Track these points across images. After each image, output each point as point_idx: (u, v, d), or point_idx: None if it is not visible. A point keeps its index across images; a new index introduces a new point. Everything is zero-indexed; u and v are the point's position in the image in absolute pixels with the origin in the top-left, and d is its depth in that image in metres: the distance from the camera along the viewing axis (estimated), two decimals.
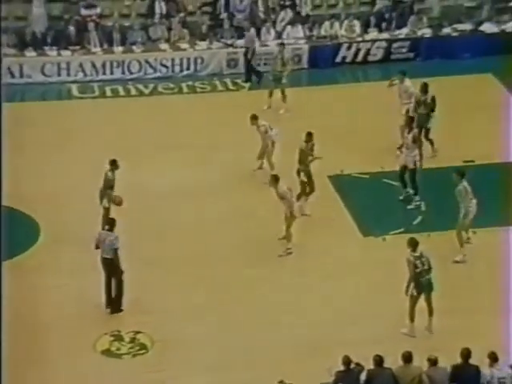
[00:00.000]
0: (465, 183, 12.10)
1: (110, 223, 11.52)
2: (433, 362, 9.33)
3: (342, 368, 9.43)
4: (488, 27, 18.72)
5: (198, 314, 11.45)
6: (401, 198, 13.41)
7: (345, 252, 12.62)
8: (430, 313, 11.01)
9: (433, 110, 14.47)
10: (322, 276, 12.12)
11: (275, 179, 12.47)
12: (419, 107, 14.47)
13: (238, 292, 11.82)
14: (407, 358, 9.37)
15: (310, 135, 13.39)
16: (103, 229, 11.64)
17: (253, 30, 17.74)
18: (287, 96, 16.21)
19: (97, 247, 11.42)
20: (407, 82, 14.85)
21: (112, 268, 11.32)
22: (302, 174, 13.28)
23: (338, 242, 12.86)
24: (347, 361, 9.42)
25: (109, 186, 12.66)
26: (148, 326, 11.24)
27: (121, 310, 11.42)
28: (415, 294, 10.84)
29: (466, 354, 9.27)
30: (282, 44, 16.59)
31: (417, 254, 10.84)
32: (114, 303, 11.39)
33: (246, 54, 17.61)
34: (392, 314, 11.24)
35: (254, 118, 14.41)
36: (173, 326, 11.24)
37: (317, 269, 12.28)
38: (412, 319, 10.95)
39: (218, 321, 11.35)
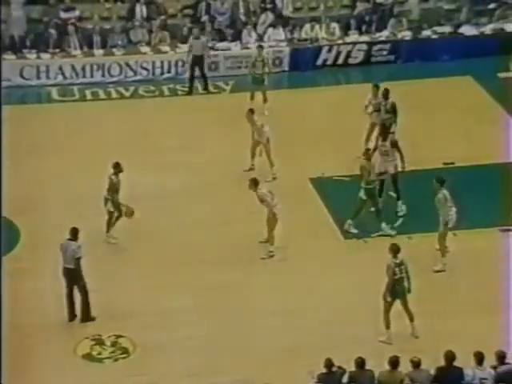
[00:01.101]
0: (444, 191, 12.08)
1: (72, 232, 11.21)
2: (416, 364, 9.33)
3: (324, 371, 9.43)
4: (467, 29, 18.86)
5: (182, 318, 11.38)
6: (373, 209, 13.11)
7: (326, 254, 12.61)
8: (411, 318, 10.98)
9: (395, 114, 14.38)
10: (303, 279, 12.10)
11: (254, 183, 12.44)
12: (380, 113, 14.46)
13: (221, 295, 11.77)
14: (394, 362, 9.35)
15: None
16: (108, 231, 11.50)
17: (204, 38, 17.54)
18: (267, 98, 16.18)
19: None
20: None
21: (73, 278, 11.08)
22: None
23: (319, 244, 12.87)
24: (329, 363, 9.42)
25: (114, 189, 12.54)
26: (130, 329, 11.16)
27: (92, 319, 11.24)
28: (389, 299, 10.83)
29: (451, 356, 9.28)
30: (261, 46, 16.52)
31: (397, 261, 10.83)
32: (83, 314, 11.18)
33: (195, 63, 17.16)
34: (375, 316, 11.21)
35: (252, 112, 14.34)
36: (155, 330, 11.17)
37: (298, 271, 12.27)
38: (387, 326, 10.90)
39: (201, 324, 11.29)
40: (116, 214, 12.73)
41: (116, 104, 17.26)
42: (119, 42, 18.42)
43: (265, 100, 16.13)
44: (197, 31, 17.57)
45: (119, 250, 12.66)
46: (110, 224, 12.78)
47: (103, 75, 17.84)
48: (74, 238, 11.20)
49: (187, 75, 17.84)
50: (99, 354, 10.86)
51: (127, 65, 17.94)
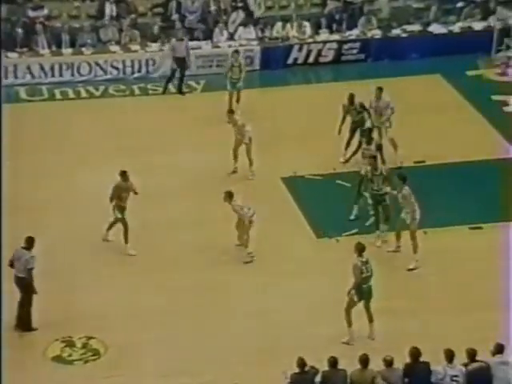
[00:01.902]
0: (407, 187, 12.11)
1: (27, 241, 10.95)
2: (388, 363, 9.37)
3: (297, 370, 9.42)
4: (436, 28, 19.00)
5: (155, 319, 11.30)
6: (352, 217, 13.09)
7: (299, 254, 12.60)
8: (370, 319, 10.96)
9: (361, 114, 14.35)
10: (276, 279, 12.07)
11: (229, 195, 12.31)
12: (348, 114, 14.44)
13: (194, 296, 11.71)
14: (364, 361, 9.38)
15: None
16: (126, 242, 11.62)
17: (186, 40, 17.40)
18: (240, 99, 16.12)
19: (11, 264, 10.90)
20: (387, 97, 14.50)
21: (24, 287, 10.87)
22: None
23: (291, 244, 12.86)
24: (302, 363, 9.41)
25: (116, 195, 12.41)
26: (101, 330, 11.05)
27: (33, 329, 11.00)
28: (356, 299, 10.83)
29: (415, 352, 9.33)
30: (237, 51, 16.33)
31: (363, 260, 10.83)
32: (24, 322, 10.95)
33: (178, 65, 16.94)
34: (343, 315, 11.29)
35: (231, 112, 14.31)
36: (127, 331, 11.08)
37: (271, 271, 12.24)
38: (349, 324, 10.88)
39: (174, 325, 11.21)
40: (120, 220, 12.48)
41: (86, 104, 17.08)
42: (88, 41, 18.23)
43: (238, 100, 16.07)
44: (181, 33, 17.47)
45: (91, 250, 12.53)
46: (127, 234, 12.47)
47: (72, 74, 17.65)
48: (28, 246, 10.94)
49: (158, 75, 17.75)
50: (69, 355, 10.74)
51: (97, 64, 17.77)
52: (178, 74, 17.16)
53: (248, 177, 14.06)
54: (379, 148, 13.45)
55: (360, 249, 10.89)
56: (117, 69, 17.84)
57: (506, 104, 16.32)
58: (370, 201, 12.95)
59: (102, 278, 12.04)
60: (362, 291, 10.85)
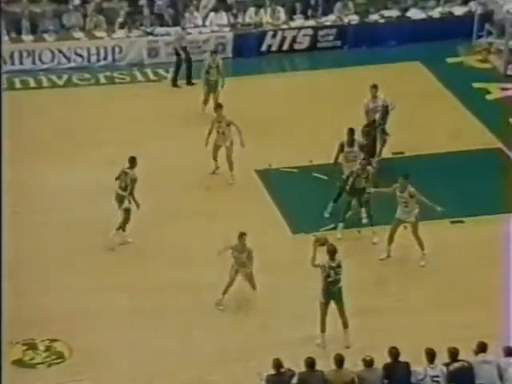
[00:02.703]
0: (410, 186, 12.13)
1: None
2: (368, 364, 9.34)
3: (272, 372, 9.34)
4: (414, 13, 18.97)
5: (121, 320, 11.16)
6: (326, 215, 12.98)
7: (274, 250, 12.51)
8: (345, 325, 10.82)
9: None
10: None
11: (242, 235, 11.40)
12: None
13: (162, 296, 11.58)
14: (339, 361, 9.36)
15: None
16: (124, 230, 11.72)
17: (179, 28, 17.23)
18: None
19: None
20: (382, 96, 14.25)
21: None
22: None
23: (266, 239, 12.74)
24: (277, 364, 9.34)
25: (132, 184, 12.35)
26: (66, 332, 10.90)
27: None
28: (322, 300, 10.74)
29: (395, 352, 9.32)
30: (215, 52, 15.87)
31: (333, 264, 10.69)
32: None
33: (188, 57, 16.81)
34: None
35: (220, 106, 13.93)
36: (93, 333, 10.93)
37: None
38: (322, 329, 10.76)
39: (141, 326, 11.09)
40: (130, 211, 12.42)
41: (48, 93, 16.83)
42: (51, 27, 17.95)
43: (215, 106, 14.98)
44: (185, 22, 17.25)
45: (53, 249, 12.34)
46: (126, 222, 12.51)
47: (34, 62, 17.37)
48: None
49: (125, 63, 17.47)
50: (32, 359, 10.59)
51: (60, 51, 17.50)
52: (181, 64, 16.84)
53: (229, 181, 13.80)
54: (362, 149, 13.27)
55: (332, 251, 10.72)
56: (81, 56, 17.59)
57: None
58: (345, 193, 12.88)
59: (66, 278, 11.87)
60: (329, 293, 10.74)
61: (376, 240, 12.64)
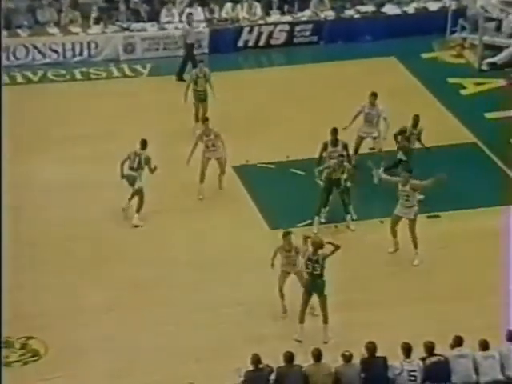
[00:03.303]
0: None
1: None
2: (347, 359, 9.39)
3: (251, 368, 9.34)
4: (390, 9, 19.04)
5: (97, 317, 11.12)
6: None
7: (252, 246, 12.51)
8: (324, 320, 10.84)
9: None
10: (228, 271, 11.98)
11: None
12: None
13: (136, 292, 11.54)
14: (317, 355, 9.40)
15: None
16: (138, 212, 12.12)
17: (186, 25, 17.05)
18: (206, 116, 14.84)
19: None
20: (380, 106, 14.04)
21: None
22: None
23: (244, 235, 12.77)
24: (256, 359, 9.35)
25: (145, 165, 12.75)
26: (41, 330, 10.82)
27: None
28: (304, 294, 10.77)
29: (372, 347, 9.37)
30: (202, 61, 15.36)
31: (315, 258, 10.73)
32: None
33: (189, 51, 16.62)
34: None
35: (206, 119, 13.52)
36: (69, 330, 10.88)
37: (222, 264, 12.14)
38: (301, 319, 10.80)
39: (117, 323, 11.05)
40: (142, 192, 12.75)
41: (22, 89, 16.66)
42: (25, 23, 17.78)
43: (203, 118, 14.41)
44: (191, 18, 17.04)
45: (29, 247, 12.23)
46: (141, 203, 12.82)
47: (8, 58, 17.17)
48: None
49: (101, 58, 17.30)
50: (7, 357, 10.48)
51: (34, 47, 17.35)
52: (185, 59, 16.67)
53: (199, 196, 13.35)
54: (345, 147, 13.22)
55: (317, 245, 10.74)
56: (56, 52, 17.44)
57: None
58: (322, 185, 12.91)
59: (41, 276, 11.77)
60: (308, 286, 10.78)
61: (353, 227, 12.62)
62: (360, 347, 9.46)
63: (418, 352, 9.46)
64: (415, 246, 12.18)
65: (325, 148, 13.16)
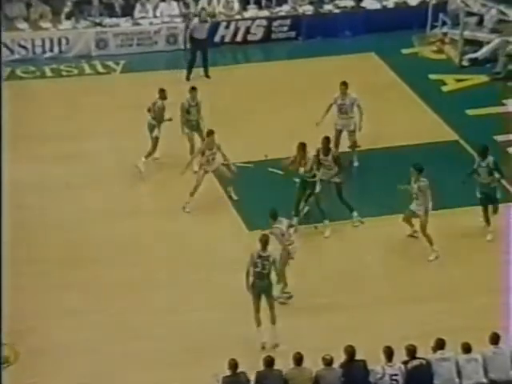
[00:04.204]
0: (425, 179, 12.18)
1: None
2: (327, 362, 9.38)
3: (228, 373, 9.30)
4: (369, 3, 19.04)
5: (69, 321, 11.02)
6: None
7: (229, 248, 12.48)
8: (272, 320, 10.77)
9: None
10: (205, 274, 11.93)
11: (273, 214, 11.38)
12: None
13: (114, 296, 11.46)
14: (297, 360, 9.38)
15: None
16: (147, 157, 13.36)
17: (196, 19, 16.94)
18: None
19: None
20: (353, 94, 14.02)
21: None
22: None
23: (221, 237, 12.74)
24: (233, 364, 9.30)
25: (160, 115, 13.66)
26: (11, 335, 10.57)
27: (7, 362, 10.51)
28: (251, 295, 10.72)
29: (351, 350, 9.37)
30: (194, 88, 14.30)
31: (264, 255, 10.69)
32: None
33: (197, 47, 16.48)
34: (282, 311, 11.18)
35: (212, 132, 13.19)
36: (41, 334, 10.77)
37: (200, 266, 12.09)
38: (257, 323, 10.72)
39: (92, 326, 10.97)
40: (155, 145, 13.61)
41: None
42: None
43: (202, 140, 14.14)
44: (204, 13, 16.90)
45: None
46: (154, 150, 13.77)
47: None
48: None
49: (72, 54, 17.14)
50: None
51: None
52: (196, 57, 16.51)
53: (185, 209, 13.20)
54: (336, 160, 13.04)
55: (264, 241, 10.71)
56: (25, 48, 17.24)
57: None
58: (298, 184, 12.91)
59: (11, 278, 11.59)
60: (255, 286, 10.73)
61: (328, 234, 12.64)
62: (341, 351, 9.43)
63: (400, 355, 9.46)
64: (430, 244, 12.22)
65: (317, 155, 12.90)
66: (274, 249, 11.11)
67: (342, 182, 12.88)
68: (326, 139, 13.00)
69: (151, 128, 13.80)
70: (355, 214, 12.90)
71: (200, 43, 16.72)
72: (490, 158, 12.47)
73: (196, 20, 16.94)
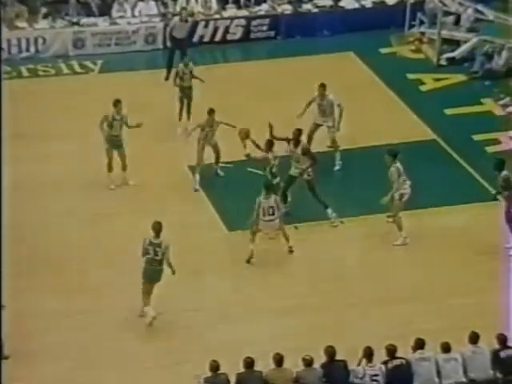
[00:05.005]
0: (398, 164, 12.27)
1: None
2: (307, 363, 9.44)
3: (209, 374, 9.34)
4: (347, 3, 19.14)
5: (51, 322, 10.98)
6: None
7: (209, 248, 12.50)
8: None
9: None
10: (185, 275, 11.87)
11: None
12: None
13: (94, 298, 11.44)
14: (278, 360, 9.44)
15: None
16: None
17: (191, 21, 17.00)
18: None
19: None
20: (330, 95, 14.17)
21: None
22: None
23: (201, 237, 12.73)
24: (214, 365, 9.35)
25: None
26: None
27: (5, 358, 10.34)
28: (143, 280, 10.96)
29: (331, 351, 9.44)
30: (119, 101, 14.10)
31: (156, 242, 10.91)
32: None
33: (176, 46, 16.48)
34: (262, 312, 11.28)
35: (212, 111, 13.64)
36: (20, 337, 10.64)
37: (179, 267, 12.06)
38: (144, 303, 10.97)
39: (73, 328, 10.95)
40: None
41: None
42: None
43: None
44: (185, 13, 16.85)
45: None
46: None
47: None
48: None
49: (49, 54, 17.07)
50: None
51: None
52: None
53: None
54: (305, 153, 13.12)
55: (156, 229, 10.93)
56: (1, 48, 17.03)
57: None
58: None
59: None
60: (147, 272, 10.98)
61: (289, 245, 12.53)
62: (321, 351, 9.51)
63: (380, 355, 9.54)
64: (399, 229, 12.47)
65: (288, 143, 13.09)
66: None
67: (313, 178, 12.90)
68: (298, 131, 13.09)
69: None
70: (329, 210, 12.96)
71: (179, 42, 16.75)
72: (503, 173, 12.27)
73: (176, 19, 16.97)
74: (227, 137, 14.84)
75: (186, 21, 16.90)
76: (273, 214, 12.04)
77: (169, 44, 16.91)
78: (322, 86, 14.15)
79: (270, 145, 12.96)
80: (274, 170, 12.78)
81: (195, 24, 18.08)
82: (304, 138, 13.48)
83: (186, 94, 15.07)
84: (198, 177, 13.73)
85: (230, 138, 14.78)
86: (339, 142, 14.53)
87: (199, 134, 13.78)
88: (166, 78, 16.46)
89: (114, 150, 13.64)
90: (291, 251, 12.34)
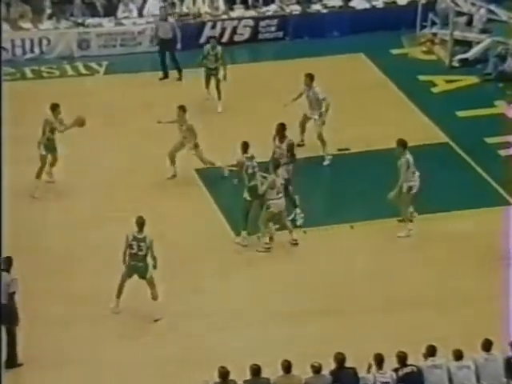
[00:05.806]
0: (408, 155, 12.32)
1: (5, 262, 10.32)
2: (316, 370, 9.44)
3: (218, 381, 9.34)
4: (358, 3, 19.14)
5: (49, 329, 10.97)
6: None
7: (217, 253, 12.50)
8: (153, 296, 11.15)
9: None
10: (190, 282, 11.94)
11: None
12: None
13: (95, 303, 11.43)
14: (286, 367, 9.44)
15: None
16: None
17: (172, 19, 17.06)
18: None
19: None
20: (316, 88, 14.31)
21: (5, 316, 10.21)
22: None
23: (208, 242, 12.74)
24: (224, 372, 9.36)
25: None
26: None
27: (18, 365, 10.52)
28: (123, 273, 11.13)
29: (341, 358, 9.44)
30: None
31: (140, 236, 11.01)
32: (8, 359, 10.41)
33: (163, 47, 16.60)
34: (268, 318, 11.28)
35: (183, 110, 13.69)
36: (23, 344, 10.65)
37: (185, 273, 12.11)
38: (118, 295, 11.17)
39: (71, 336, 10.93)
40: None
41: None
42: None
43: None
44: (163, 11, 16.90)
45: None
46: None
47: None
48: (7, 268, 10.36)
49: (53, 56, 17.10)
50: None
51: None
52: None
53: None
54: (289, 149, 13.15)
55: (139, 223, 11.05)
56: (5, 49, 17.10)
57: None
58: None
59: None
60: (130, 267, 11.12)
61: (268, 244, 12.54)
62: (330, 358, 9.49)
63: (391, 362, 9.53)
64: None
65: (273, 139, 13.15)
66: None
67: (290, 178, 12.89)
68: (281, 125, 13.11)
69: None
70: (298, 210, 12.95)
71: (165, 43, 16.74)
72: None
73: (157, 19, 17.05)
74: (233, 137, 14.87)
75: (166, 20, 16.86)
76: (280, 193, 12.23)
77: (156, 45, 16.93)
78: (308, 76, 14.21)
79: (245, 147, 12.89)
80: (249, 171, 12.69)
81: (202, 25, 18.12)
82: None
83: (211, 73, 15.68)
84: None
85: (236, 138, 14.82)
86: (348, 144, 14.52)
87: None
88: (161, 79, 16.54)
89: (49, 154, 13.66)
90: (296, 244, 12.28)
